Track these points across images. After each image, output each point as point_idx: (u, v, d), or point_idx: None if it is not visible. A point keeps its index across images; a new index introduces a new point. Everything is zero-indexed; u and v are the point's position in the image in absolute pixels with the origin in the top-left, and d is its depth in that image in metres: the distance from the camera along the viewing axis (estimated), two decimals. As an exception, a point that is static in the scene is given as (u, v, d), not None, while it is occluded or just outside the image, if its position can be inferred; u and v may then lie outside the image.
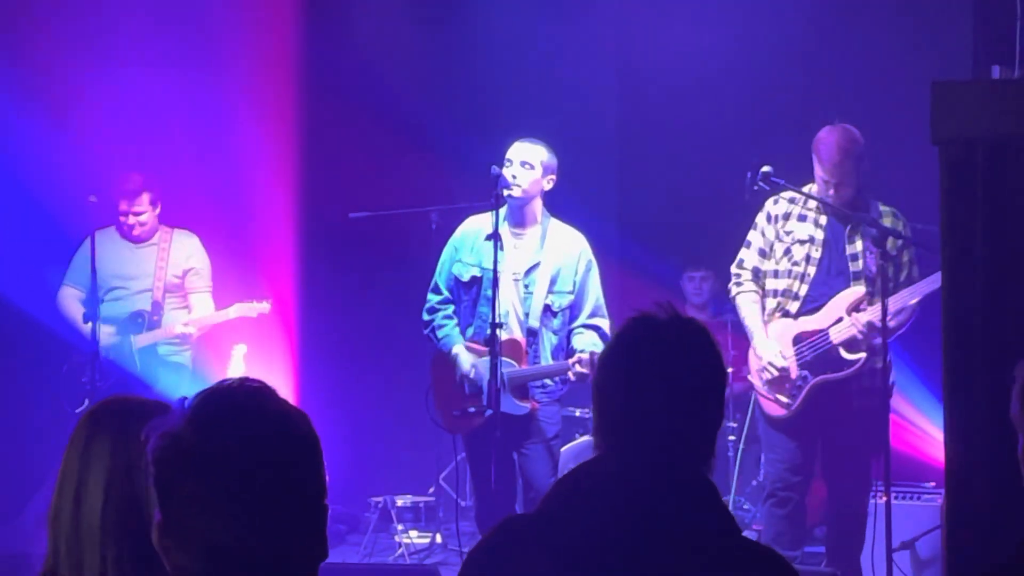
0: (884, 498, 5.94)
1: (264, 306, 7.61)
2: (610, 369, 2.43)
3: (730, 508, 7.78)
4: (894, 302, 6.10)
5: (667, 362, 2.38)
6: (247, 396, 2.00)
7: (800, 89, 8.49)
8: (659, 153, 9.20)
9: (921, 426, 7.87)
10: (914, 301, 6.20)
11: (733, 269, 6.61)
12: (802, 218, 6.42)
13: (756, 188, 6.33)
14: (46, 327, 7.69)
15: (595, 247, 6.62)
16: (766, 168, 6.27)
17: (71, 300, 7.62)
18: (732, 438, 8.20)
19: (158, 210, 7.65)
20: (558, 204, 6.64)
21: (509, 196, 6.28)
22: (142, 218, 7.59)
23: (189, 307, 7.68)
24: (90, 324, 7.18)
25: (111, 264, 7.45)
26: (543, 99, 9.03)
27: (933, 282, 6.04)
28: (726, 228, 6.89)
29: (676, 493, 2.33)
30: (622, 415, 2.38)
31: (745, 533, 7.81)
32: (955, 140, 4.02)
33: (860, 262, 6.31)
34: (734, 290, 6.61)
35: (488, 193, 6.27)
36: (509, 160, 6.35)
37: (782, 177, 6.35)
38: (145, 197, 7.58)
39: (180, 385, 7.32)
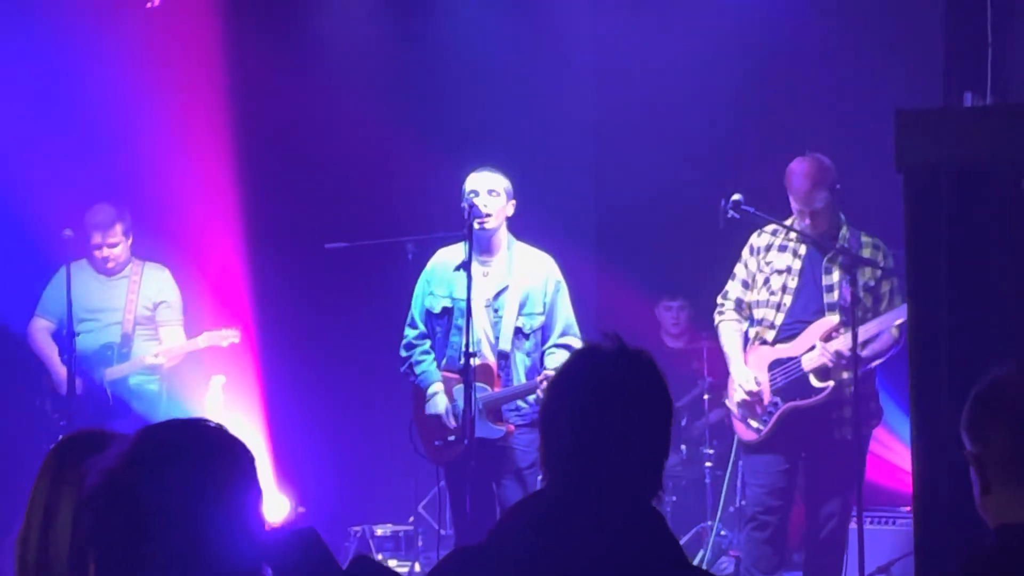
0: (858, 524, 5.98)
1: (234, 334, 7.57)
2: (556, 401, 2.43)
3: (710, 534, 7.88)
4: (864, 331, 6.15)
5: (612, 394, 2.38)
6: (184, 436, 1.99)
7: (778, 118, 8.54)
8: (636, 182, 9.23)
9: (898, 452, 7.91)
10: (898, 322, 6.21)
11: (718, 299, 6.72)
12: (782, 248, 6.50)
13: (729, 216, 6.40)
14: (24, 359, 7.65)
15: (572, 274, 6.67)
16: (736, 196, 6.34)
17: (42, 332, 7.57)
18: (709, 464, 8.23)
19: (130, 241, 7.61)
20: (535, 231, 6.70)
21: (482, 226, 6.35)
22: (116, 250, 7.55)
23: (160, 340, 7.62)
24: (66, 369, 7.14)
25: (82, 297, 7.39)
26: (519, 126, 9.06)
27: (900, 313, 6.11)
28: (702, 257, 6.96)
29: (623, 524, 2.33)
30: (568, 447, 2.39)
31: (723, 559, 7.78)
32: (919, 167, 4.09)
33: (835, 293, 6.37)
34: (717, 319, 6.72)
35: (460, 223, 6.35)
36: (475, 191, 6.41)
37: (758, 205, 6.41)
38: (119, 227, 7.54)
39: (154, 416, 7.28)
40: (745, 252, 6.62)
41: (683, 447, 8.57)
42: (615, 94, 9.40)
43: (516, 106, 9.19)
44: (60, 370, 7.35)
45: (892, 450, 7.98)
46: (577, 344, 6.43)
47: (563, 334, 6.47)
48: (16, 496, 2.86)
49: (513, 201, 6.48)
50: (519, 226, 6.59)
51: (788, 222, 6.49)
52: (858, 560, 5.88)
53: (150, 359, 7.46)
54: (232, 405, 7.85)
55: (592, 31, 9.39)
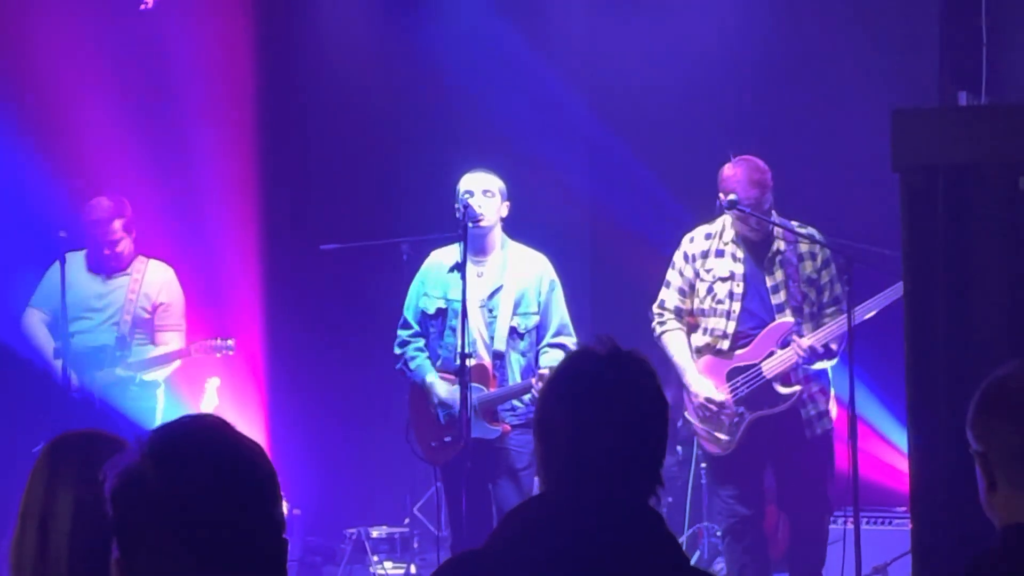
0: (853, 523, 5.97)
1: (228, 345, 7.31)
2: (550, 405, 2.41)
3: (704, 536, 7.87)
4: (838, 327, 6.13)
5: (606, 397, 2.36)
6: (205, 432, 1.99)
7: (773, 120, 8.54)
8: (631, 184, 9.23)
9: (890, 453, 7.91)
10: (874, 310, 6.20)
11: (655, 309, 6.57)
12: (719, 254, 6.42)
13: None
14: (17, 357, 7.53)
15: (566, 276, 6.68)
16: (732, 196, 6.31)
17: (37, 323, 7.30)
18: (704, 465, 8.21)
19: (133, 235, 7.35)
20: (529, 233, 6.70)
21: (477, 227, 6.35)
22: (118, 248, 7.28)
23: (156, 345, 7.38)
24: (60, 361, 7.01)
25: (79, 293, 7.20)
26: (514, 128, 9.05)
27: (890, 295, 6.09)
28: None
29: (621, 528, 2.31)
30: (564, 451, 2.36)
31: (719, 559, 7.73)
32: (916, 168, 4.09)
33: (782, 293, 6.33)
34: (658, 329, 6.54)
35: (455, 224, 6.36)
36: (469, 191, 6.43)
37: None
38: (118, 224, 7.26)
39: (148, 421, 7.15)
40: (679, 259, 6.51)
41: (679, 448, 8.56)
42: (610, 95, 9.39)
43: (510, 108, 9.18)
44: (58, 366, 7.11)
45: (884, 451, 7.99)
46: (571, 343, 6.44)
47: (557, 333, 6.48)
48: (7, 497, 2.84)
49: (507, 202, 6.50)
50: (513, 228, 6.59)
51: (726, 223, 6.41)
52: (855, 560, 5.87)
53: (122, 370, 7.20)
54: (227, 407, 7.82)
55: (587, 34, 9.39)
